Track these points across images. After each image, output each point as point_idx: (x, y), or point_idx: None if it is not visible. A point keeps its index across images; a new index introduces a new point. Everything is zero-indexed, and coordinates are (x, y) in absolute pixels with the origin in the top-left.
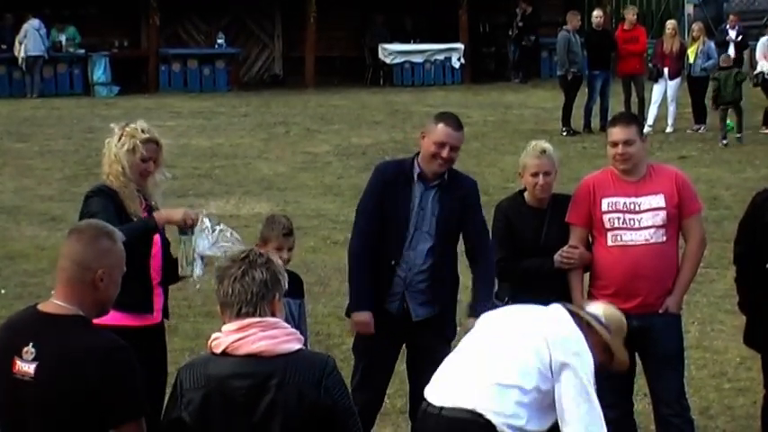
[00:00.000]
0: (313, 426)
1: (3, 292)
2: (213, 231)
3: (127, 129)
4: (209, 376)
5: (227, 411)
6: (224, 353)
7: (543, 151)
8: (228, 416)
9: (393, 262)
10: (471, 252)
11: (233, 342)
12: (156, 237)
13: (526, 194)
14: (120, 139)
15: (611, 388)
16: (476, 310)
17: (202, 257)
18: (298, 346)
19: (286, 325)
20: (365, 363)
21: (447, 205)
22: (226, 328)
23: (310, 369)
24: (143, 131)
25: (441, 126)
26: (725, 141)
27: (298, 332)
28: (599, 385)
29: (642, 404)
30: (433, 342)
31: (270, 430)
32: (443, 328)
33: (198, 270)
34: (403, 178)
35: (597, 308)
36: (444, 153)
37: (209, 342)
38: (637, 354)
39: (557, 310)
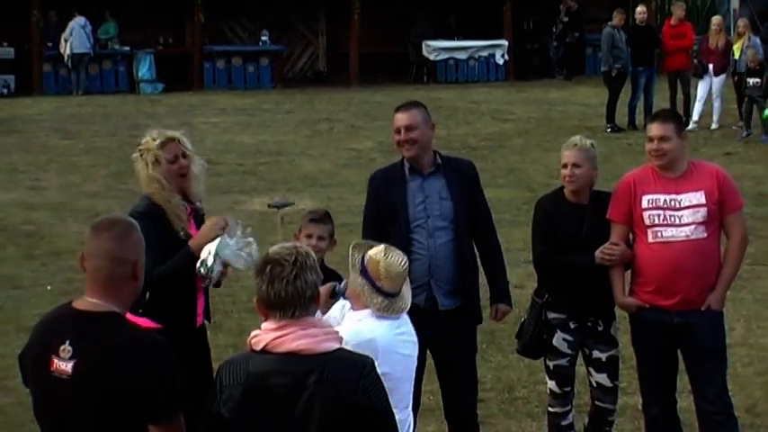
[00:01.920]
0: (351, 424)
1: (49, 288)
2: (240, 241)
3: (140, 147)
4: (249, 373)
5: (266, 408)
6: (263, 350)
7: (575, 144)
8: (267, 412)
9: None
10: (480, 236)
11: (273, 340)
12: None
13: (565, 190)
14: (142, 159)
15: (655, 384)
16: (504, 295)
17: (223, 263)
18: (337, 345)
19: (325, 323)
20: None
21: (454, 186)
22: (266, 325)
23: (349, 368)
24: (154, 138)
25: (396, 114)
26: (745, 133)
27: (337, 331)
28: (644, 382)
29: (687, 401)
30: (460, 336)
31: (308, 427)
32: (469, 318)
33: (215, 274)
34: (394, 178)
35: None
36: (402, 136)
37: (249, 339)
38: (679, 350)
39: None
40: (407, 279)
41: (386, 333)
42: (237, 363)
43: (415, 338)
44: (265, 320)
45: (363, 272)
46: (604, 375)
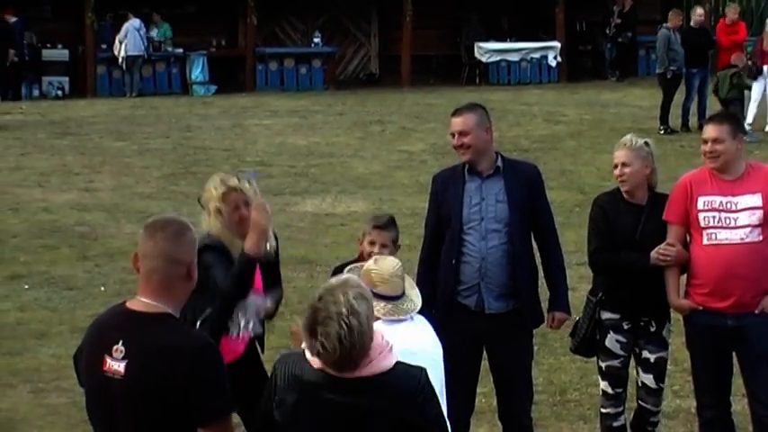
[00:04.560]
0: None
1: (102, 289)
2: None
3: (203, 196)
4: (303, 382)
5: (320, 421)
6: (321, 370)
7: (625, 143)
8: (320, 426)
9: (453, 260)
10: (542, 240)
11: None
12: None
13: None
14: (204, 209)
15: (709, 387)
16: (562, 303)
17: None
18: (393, 360)
19: (380, 338)
20: (452, 369)
21: (513, 191)
22: None
23: (405, 385)
24: (215, 188)
25: (452, 119)
26: None
27: (390, 344)
28: (698, 384)
29: (741, 404)
30: (512, 340)
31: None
32: (522, 322)
33: (250, 327)
34: (454, 179)
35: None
36: (456, 141)
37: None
38: (734, 353)
39: None
40: (412, 282)
41: (400, 337)
42: (292, 365)
43: (431, 340)
44: None
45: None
46: (651, 377)
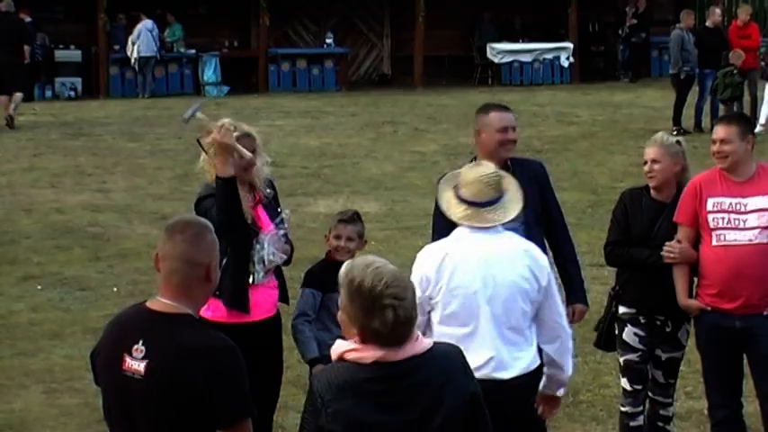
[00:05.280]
0: (468, 415)
1: (115, 289)
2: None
3: (203, 143)
4: (356, 383)
5: (389, 413)
6: (375, 363)
7: (656, 140)
8: (391, 416)
9: None
10: (553, 235)
11: (385, 354)
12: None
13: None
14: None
15: (720, 388)
16: (580, 295)
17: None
18: (431, 341)
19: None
20: None
21: (524, 188)
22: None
23: (453, 359)
24: (235, 129)
25: (494, 114)
26: None
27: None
28: (709, 385)
29: (753, 405)
30: None
31: (432, 425)
32: None
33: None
34: None
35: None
36: (510, 135)
37: (342, 353)
38: (745, 355)
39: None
40: (518, 194)
41: (466, 248)
42: (334, 377)
43: (517, 260)
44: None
45: (455, 186)
46: (660, 373)
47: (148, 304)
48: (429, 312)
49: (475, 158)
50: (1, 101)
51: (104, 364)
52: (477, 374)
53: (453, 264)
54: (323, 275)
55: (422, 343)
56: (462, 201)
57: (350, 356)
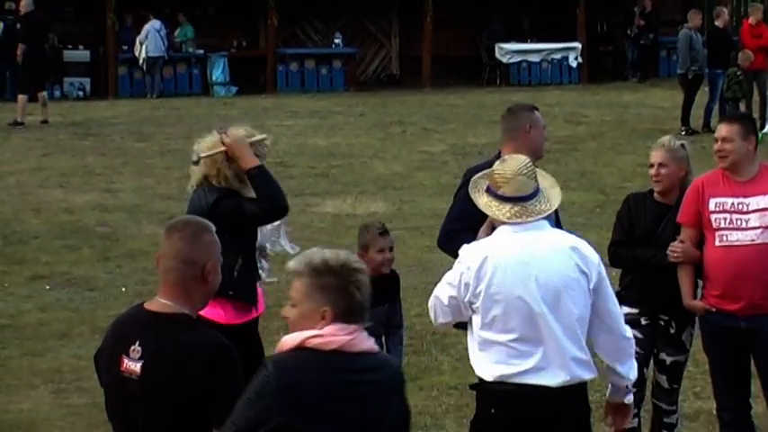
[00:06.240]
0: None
1: (123, 289)
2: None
3: (201, 153)
4: (331, 371)
5: (340, 406)
6: (336, 351)
7: (662, 144)
8: (342, 410)
9: None
10: None
11: (349, 341)
12: None
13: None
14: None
15: (728, 389)
16: None
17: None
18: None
19: None
20: None
21: None
22: (332, 329)
23: (397, 372)
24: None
25: (539, 114)
26: None
27: None
28: (717, 386)
29: (762, 406)
30: None
31: (381, 429)
32: None
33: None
34: None
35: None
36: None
37: (305, 341)
38: (752, 355)
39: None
40: (553, 180)
41: (506, 250)
42: (297, 363)
43: (570, 258)
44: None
45: (488, 189)
46: (664, 377)
47: (146, 305)
48: (470, 317)
49: (499, 153)
50: (21, 100)
51: (105, 365)
52: (523, 381)
53: (494, 266)
54: None
55: (373, 344)
56: (506, 200)
57: (312, 342)
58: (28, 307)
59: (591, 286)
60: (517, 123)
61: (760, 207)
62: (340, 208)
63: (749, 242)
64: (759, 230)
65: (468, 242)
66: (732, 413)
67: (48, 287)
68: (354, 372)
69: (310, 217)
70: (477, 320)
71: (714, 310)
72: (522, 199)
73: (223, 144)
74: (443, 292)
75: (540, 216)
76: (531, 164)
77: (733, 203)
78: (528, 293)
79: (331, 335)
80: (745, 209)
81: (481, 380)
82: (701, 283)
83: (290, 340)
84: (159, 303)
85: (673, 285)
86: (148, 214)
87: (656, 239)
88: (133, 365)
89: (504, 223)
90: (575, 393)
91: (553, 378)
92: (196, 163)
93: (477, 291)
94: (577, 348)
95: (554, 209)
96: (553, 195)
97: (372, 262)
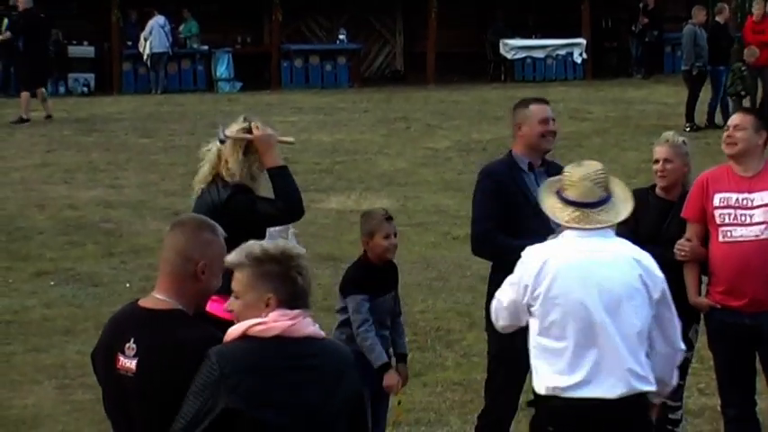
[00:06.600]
0: (354, 412)
1: (128, 285)
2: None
3: (225, 141)
4: (263, 358)
5: (284, 392)
6: (277, 337)
7: (667, 140)
8: (285, 396)
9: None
10: None
11: (290, 327)
12: None
13: (657, 185)
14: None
15: (733, 385)
16: None
17: None
18: (323, 334)
19: None
20: (506, 370)
21: None
22: (275, 315)
23: (346, 355)
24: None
25: (534, 107)
26: None
27: None
28: (722, 383)
29: (766, 402)
30: None
31: (328, 412)
32: None
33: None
34: (515, 173)
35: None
36: (551, 126)
37: (246, 330)
38: (757, 352)
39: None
40: (627, 193)
41: (569, 254)
42: (241, 351)
43: (634, 269)
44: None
45: (557, 191)
46: None
47: (141, 302)
48: (527, 321)
49: (510, 152)
50: (24, 97)
51: (102, 363)
52: (578, 395)
53: (555, 270)
54: (368, 279)
55: (318, 329)
56: (568, 203)
57: (255, 330)
58: (32, 303)
59: (652, 300)
60: (513, 121)
61: (765, 202)
62: (344, 204)
63: (753, 238)
64: (763, 226)
65: (500, 239)
66: (737, 409)
67: (52, 283)
68: (296, 357)
69: (314, 213)
70: (534, 325)
71: (719, 306)
72: (586, 205)
73: (251, 133)
74: (504, 294)
75: (601, 226)
76: (602, 171)
77: (738, 199)
78: (589, 299)
79: (273, 321)
80: (749, 204)
81: (537, 395)
82: (705, 279)
83: (234, 331)
84: (154, 300)
85: (678, 282)
86: (152, 210)
87: (661, 236)
88: (129, 363)
89: (566, 228)
90: (633, 405)
91: (610, 389)
92: (222, 141)
93: (537, 293)
94: (635, 359)
95: (617, 221)
96: (623, 209)
97: (378, 248)
